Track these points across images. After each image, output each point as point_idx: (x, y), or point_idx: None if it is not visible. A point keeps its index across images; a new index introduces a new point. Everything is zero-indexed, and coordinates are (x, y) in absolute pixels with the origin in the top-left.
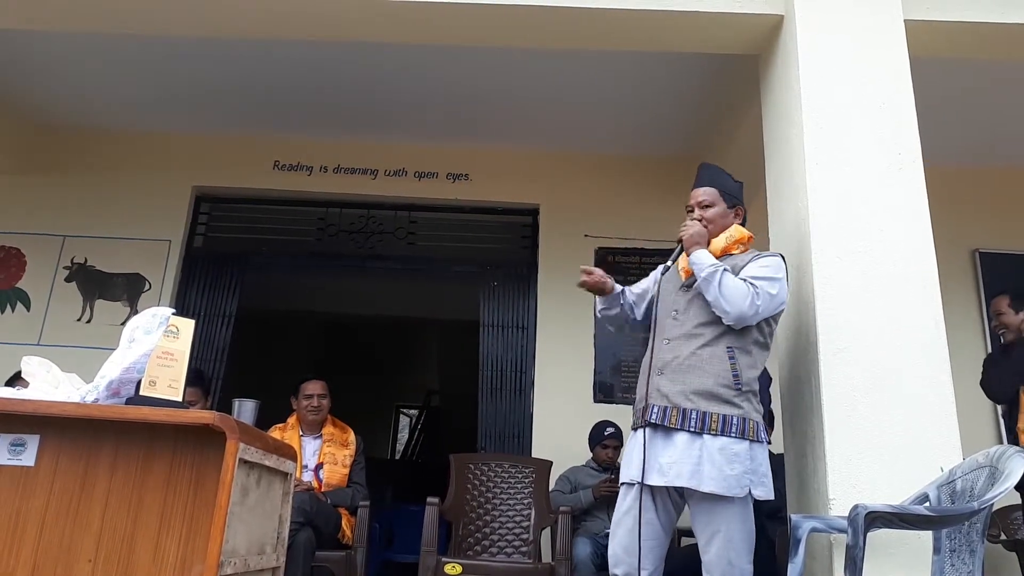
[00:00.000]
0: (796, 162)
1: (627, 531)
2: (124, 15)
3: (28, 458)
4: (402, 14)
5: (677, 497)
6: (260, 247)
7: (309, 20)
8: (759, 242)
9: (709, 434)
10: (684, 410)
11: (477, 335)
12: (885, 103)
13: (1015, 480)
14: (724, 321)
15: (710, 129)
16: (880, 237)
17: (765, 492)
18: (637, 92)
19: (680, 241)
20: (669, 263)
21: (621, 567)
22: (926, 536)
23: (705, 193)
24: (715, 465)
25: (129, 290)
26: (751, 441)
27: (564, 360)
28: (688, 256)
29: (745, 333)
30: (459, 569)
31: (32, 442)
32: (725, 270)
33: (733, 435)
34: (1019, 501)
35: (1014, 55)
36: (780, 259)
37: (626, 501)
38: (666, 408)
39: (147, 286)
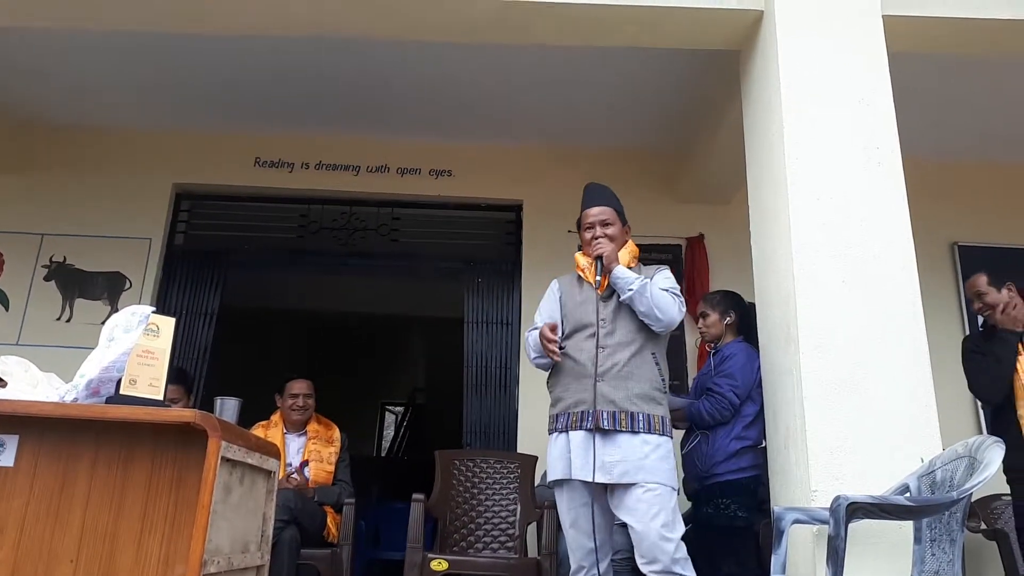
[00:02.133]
0: (776, 156)
1: (578, 528)
2: (103, 11)
3: (7, 458)
4: (383, 10)
5: (604, 490)
6: (241, 245)
7: (290, 15)
8: (741, 236)
9: (649, 433)
10: (632, 413)
11: (461, 332)
12: (864, 98)
13: (993, 470)
14: (654, 328)
15: (692, 124)
16: (859, 231)
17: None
18: (619, 88)
19: (599, 258)
20: (597, 277)
21: (585, 560)
22: (907, 526)
23: (604, 213)
24: (655, 459)
25: (109, 289)
26: (669, 437)
27: None
28: (610, 272)
29: (661, 341)
30: (445, 565)
31: (11, 442)
32: (649, 283)
33: (664, 434)
34: (997, 491)
35: (992, 50)
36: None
37: (574, 500)
38: (615, 413)
39: (127, 285)
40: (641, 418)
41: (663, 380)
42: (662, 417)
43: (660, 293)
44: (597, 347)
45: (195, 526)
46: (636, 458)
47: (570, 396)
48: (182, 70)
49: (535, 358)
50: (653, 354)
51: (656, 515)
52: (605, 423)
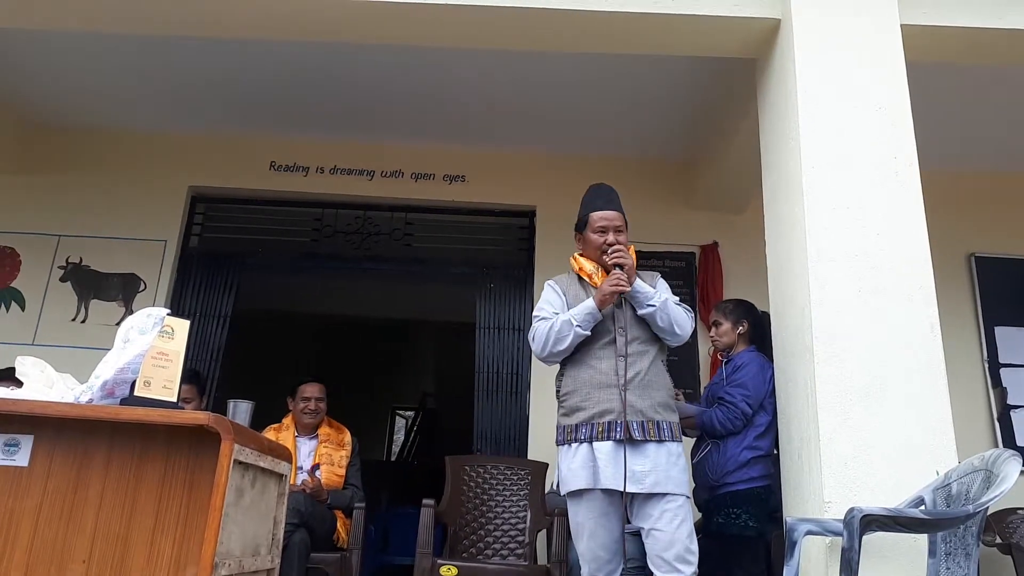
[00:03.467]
0: (792, 165)
1: (594, 538)
2: (120, 14)
3: (22, 458)
4: (400, 16)
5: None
6: (256, 248)
7: (306, 20)
8: (756, 244)
9: (672, 441)
10: (658, 422)
11: (473, 337)
12: (881, 107)
13: (1010, 484)
14: (670, 342)
15: (707, 132)
16: (876, 241)
17: None
18: (634, 95)
19: (621, 267)
20: (627, 288)
21: (601, 571)
22: (921, 539)
23: (620, 219)
24: (678, 468)
25: (124, 290)
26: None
27: None
28: (631, 285)
29: (665, 348)
30: (454, 571)
31: (26, 442)
32: (666, 300)
33: (681, 440)
34: (1013, 505)
35: (1009, 60)
36: None
37: (594, 511)
38: (643, 423)
39: (142, 286)
40: (665, 426)
41: (674, 386)
42: (678, 424)
43: (676, 309)
44: (618, 356)
45: (207, 528)
46: (664, 468)
47: (593, 406)
48: (199, 74)
49: (549, 348)
50: (663, 362)
51: (681, 524)
52: (636, 433)
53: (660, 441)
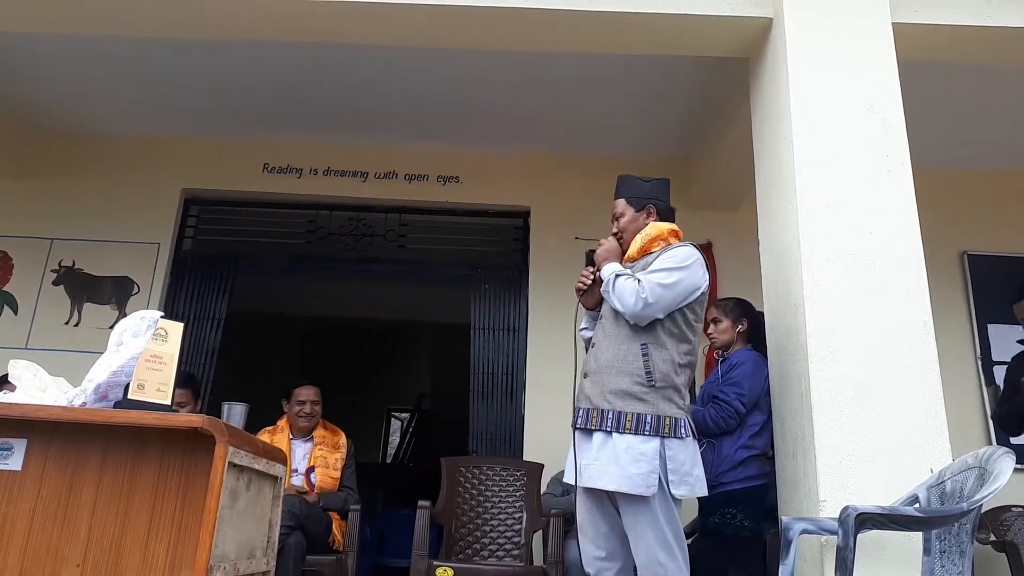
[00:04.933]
0: (785, 164)
1: (583, 533)
2: (113, 18)
3: (15, 462)
4: (393, 17)
5: (607, 496)
6: (249, 250)
7: (299, 22)
8: (750, 243)
9: (619, 432)
10: (603, 411)
11: (468, 338)
12: (873, 105)
13: (1004, 481)
14: (633, 323)
15: (700, 131)
16: (869, 239)
17: (688, 490)
18: (627, 95)
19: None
20: (582, 285)
21: (590, 567)
22: (916, 537)
23: (616, 207)
24: (620, 464)
25: (117, 293)
26: (665, 438)
27: (555, 363)
28: (591, 278)
29: (654, 328)
30: (450, 572)
31: (19, 446)
32: (619, 275)
33: (646, 433)
34: (1007, 503)
35: (1000, 58)
36: (687, 249)
37: (579, 504)
38: (588, 411)
39: (136, 289)
40: (611, 416)
41: (648, 374)
42: (639, 415)
43: (622, 284)
44: (589, 344)
45: (201, 531)
46: (604, 461)
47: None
48: (192, 77)
49: (584, 329)
50: (644, 345)
51: (644, 532)
52: (580, 421)
53: (607, 432)
